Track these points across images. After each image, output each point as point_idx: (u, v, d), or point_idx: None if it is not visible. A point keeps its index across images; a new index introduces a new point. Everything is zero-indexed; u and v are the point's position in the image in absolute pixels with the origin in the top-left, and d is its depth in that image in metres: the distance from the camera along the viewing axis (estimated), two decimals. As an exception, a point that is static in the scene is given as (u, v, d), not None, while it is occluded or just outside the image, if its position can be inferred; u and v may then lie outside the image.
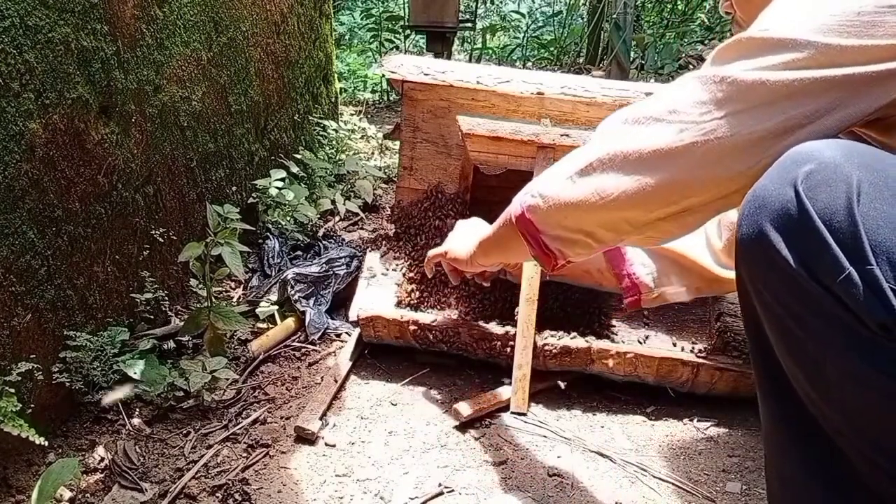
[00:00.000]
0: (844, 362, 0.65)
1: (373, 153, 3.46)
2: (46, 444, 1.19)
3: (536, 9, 8.07)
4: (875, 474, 0.69)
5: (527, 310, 1.60)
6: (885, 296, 0.60)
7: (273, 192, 2.24)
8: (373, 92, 5.39)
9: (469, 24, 6.13)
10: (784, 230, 0.66)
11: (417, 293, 1.84)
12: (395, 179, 2.39)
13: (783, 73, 0.73)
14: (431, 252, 1.54)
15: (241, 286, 2.10)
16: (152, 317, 1.72)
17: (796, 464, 0.76)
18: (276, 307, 1.95)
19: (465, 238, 1.42)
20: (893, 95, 0.72)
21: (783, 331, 0.72)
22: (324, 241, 2.30)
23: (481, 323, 1.68)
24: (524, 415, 1.57)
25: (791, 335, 0.71)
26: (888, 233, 0.60)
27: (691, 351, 1.68)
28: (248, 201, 2.28)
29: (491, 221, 2.10)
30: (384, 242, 1.98)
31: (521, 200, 1.04)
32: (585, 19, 6.66)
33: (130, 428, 1.46)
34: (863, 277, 0.61)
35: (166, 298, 1.72)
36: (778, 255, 0.67)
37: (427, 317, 1.69)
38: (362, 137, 3.35)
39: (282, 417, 1.55)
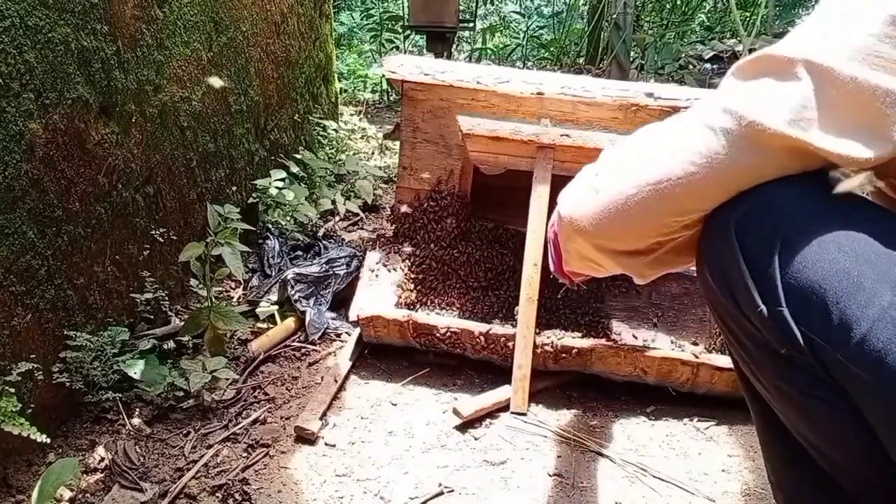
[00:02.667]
0: (770, 377, 0.72)
1: (373, 153, 3.46)
2: (48, 441, 1.19)
3: (535, 9, 8.07)
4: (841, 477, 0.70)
5: (527, 310, 1.60)
6: (793, 334, 0.65)
7: (273, 192, 2.24)
8: (373, 92, 5.39)
9: (469, 24, 6.13)
10: (716, 261, 0.73)
11: (417, 293, 1.84)
12: (395, 179, 2.39)
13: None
14: None
15: (241, 286, 2.10)
16: (152, 317, 1.72)
17: (781, 457, 0.80)
18: (276, 307, 1.95)
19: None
20: None
21: (729, 343, 0.79)
22: (324, 241, 2.30)
23: (481, 323, 1.68)
24: (524, 415, 1.57)
25: (734, 348, 0.78)
26: (804, 277, 0.64)
27: (690, 346, 1.68)
28: (249, 201, 2.28)
29: (491, 220, 2.12)
30: (384, 242, 1.98)
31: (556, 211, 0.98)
32: (585, 19, 6.66)
33: (130, 428, 1.46)
34: (773, 316, 0.66)
35: (166, 298, 1.72)
36: (713, 281, 0.74)
37: (427, 317, 1.69)
38: (362, 137, 3.35)
39: (282, 417, 1.55)
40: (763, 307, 0.66)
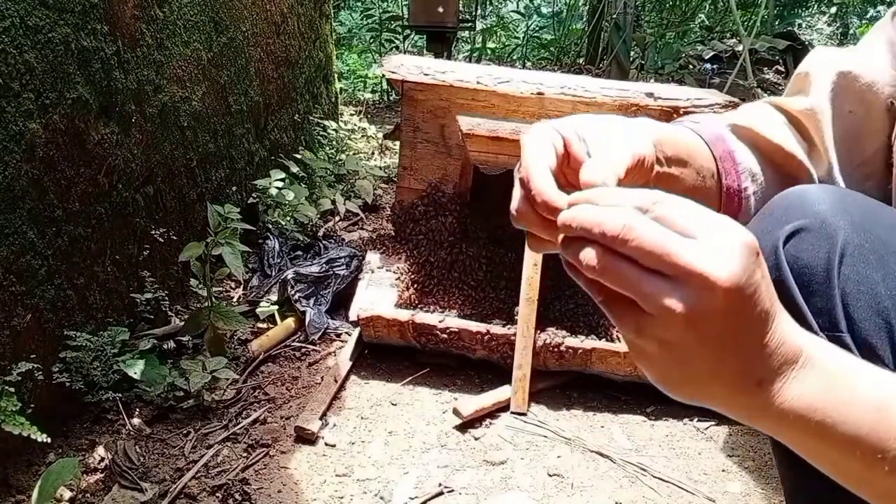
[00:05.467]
0: None
1: (373, 153, 3.46)
2: (48, 440, 1.19)
3: (535, 9, 8.07)
4: None
5: (527, 310, 1.60)
6: None
7: (273, 192, 2.24)
8: (373, 92, 5.39)
9: (469, 25, 6.14)
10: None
11: (417, 293, 1.84)
12: (395, 179, 2.39)
13: None
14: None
15: (241, 286, 2.10)
16: (152, 317, 1.72)
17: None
18: (276, 307, 1.95)
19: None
20: None
21: None
22: (324, 241, 2.30)
23: (481, 323, 1.68)
24: (524, 415, 1.57)
25: None
26: (867, 299, 0.58)
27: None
28: (249, 201, 2.28)
29: (491, 220, 2.12)
30: (384, 242, 1.98)
31: None
32: (585, 19, 6.66)
33: (130, 428, 1.46)
34: (833, 342, 0.58)
35: (166, 298, 1.72)
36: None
37: (427, 317, 1.69)
38: (362, 137, 3.35)
39: (282, 417, 1.55)
40: (821, 334, 0.58)
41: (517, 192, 0.54)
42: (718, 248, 0.43)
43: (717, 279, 0.42)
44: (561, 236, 0.49)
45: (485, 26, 7.06)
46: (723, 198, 0.73)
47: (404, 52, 5.46)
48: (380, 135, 3.32)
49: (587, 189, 0.49)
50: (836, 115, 0.75)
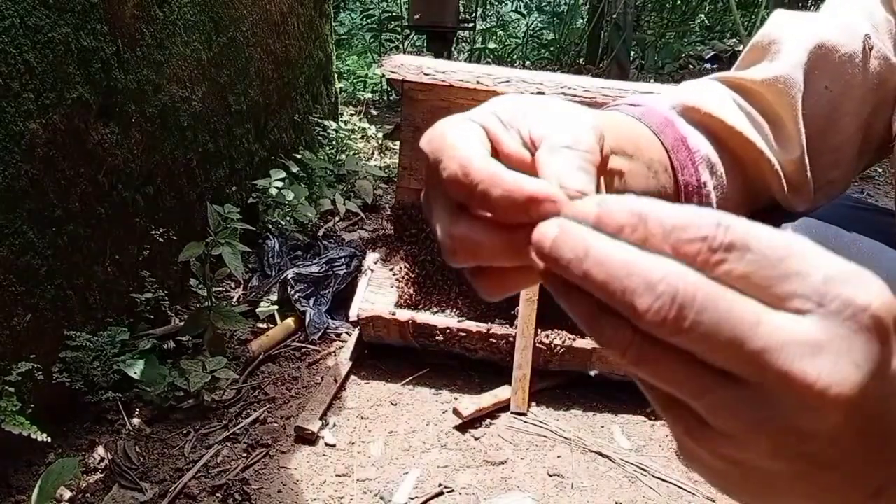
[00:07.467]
0: None
1: (373, 153, 3.46)
2: (49, 440, 1.19)
3: (536, 6, 8.07)
4: None
5: (527, 310, 1.60)
6: None
7: (273, 192, 2.24)
8: (373, 92, 5.39)
9: (469, 25, 6.14)
10: None
11: (417, 293, 1.84)
12: (395, 179, 2.39)
13: None
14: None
15: (241, 286, 2.10)
16: (152, 317, 1.72)
17: None
18: (276, 307, 1.95)
19: None
20: None
21: None
22: (324, 241, 2.30)
23: (481, 323, 1.68)
24: (524, 415, 1.57)
25: None
26: None
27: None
28: (248, 201, 2.28)
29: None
30: (384, 242, 1.98)
31: None
32: (585, 19, 6.66)
33: (130, 428, 1.46)
34: None
35: (166, 298, 1.72)
36: None
37: (427, 317, 1.69)
38: (362, 137, 3.35)
39: (282, 417, 1.55)
40: None
41: (443, 213, 0.36)
42: (834, 333, 0.26)
43: (837, 394, 0.25)
44: (542, 264, 0.30)
45: (485, 26, 7.06)
46: (680, 198, 0.59)
47: (404, 52, 5.46)
48: (380, 135, 3.32)
49: (568, 202, 0.31)
50: (809, 91, 0.64)
